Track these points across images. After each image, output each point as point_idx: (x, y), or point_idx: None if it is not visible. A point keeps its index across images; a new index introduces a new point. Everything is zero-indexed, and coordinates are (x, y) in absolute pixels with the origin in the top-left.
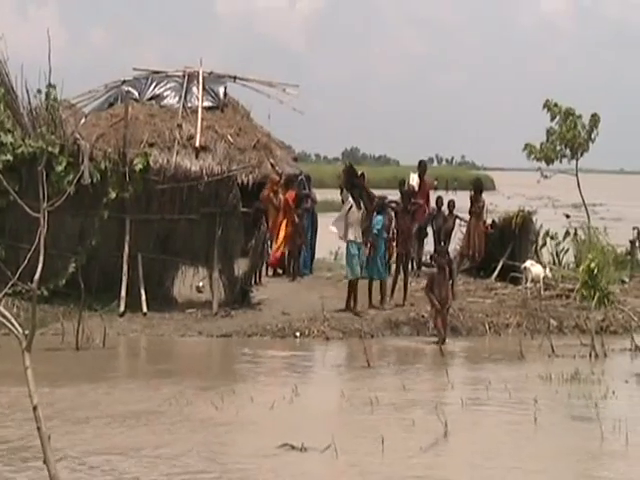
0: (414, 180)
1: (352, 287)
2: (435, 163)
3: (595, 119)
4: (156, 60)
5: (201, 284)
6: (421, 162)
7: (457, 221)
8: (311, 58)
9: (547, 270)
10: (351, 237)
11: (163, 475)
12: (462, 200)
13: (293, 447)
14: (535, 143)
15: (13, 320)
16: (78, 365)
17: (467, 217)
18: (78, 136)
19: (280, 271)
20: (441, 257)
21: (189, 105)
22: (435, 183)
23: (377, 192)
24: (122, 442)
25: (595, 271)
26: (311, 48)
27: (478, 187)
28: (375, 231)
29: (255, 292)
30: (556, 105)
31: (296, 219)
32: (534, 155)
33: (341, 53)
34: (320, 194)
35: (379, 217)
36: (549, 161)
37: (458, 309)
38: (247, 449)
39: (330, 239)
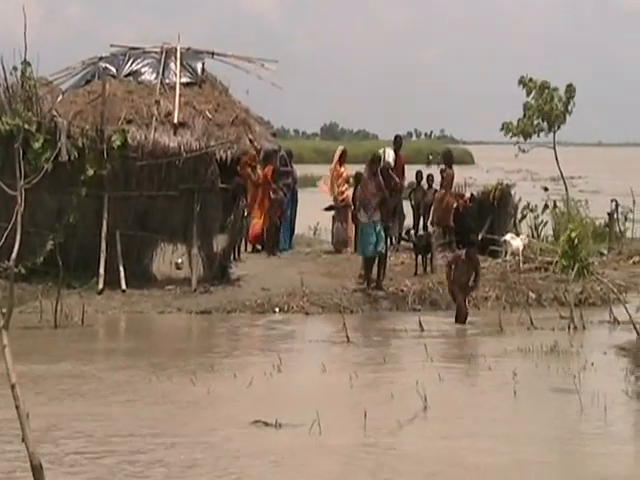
0: (390, 156)
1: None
2: (414, 137)
3: (570, 89)
4: (133, 36)
5: (180, 261)
6: (397, 137)
7: (436, 195)
8: (287, 32)
9: (524, 238)
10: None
11: (132, 451)
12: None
13: (266, 424)
14: (512, 120)
15: None
16: (56, 343)
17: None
18: (55, 113)
19: (259, 247)
20: (472, 247)
21: (167, 81)
22: (430, 157)
23: (356, 167)
24: (97, 418)
25: (576, 241)
26: (287, 22)
27: (447, 159)
28: None
29: (234, 268)
30: (531, 80)
31: (272, 195)
32: (512, 132)
33: (318, 27)
34: (299, 170)
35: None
36: (527, 136)
37: (437, 283)
38: (221, 425)
39: (309, 215)
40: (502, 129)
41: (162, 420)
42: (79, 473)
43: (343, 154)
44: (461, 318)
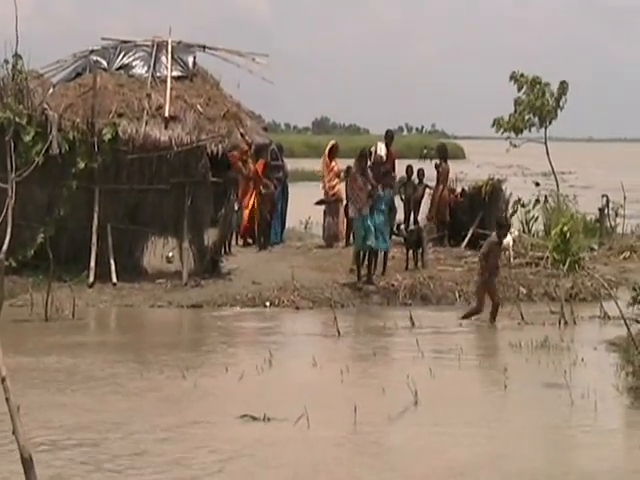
0: (382, 150)
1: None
2: (405, 132)
3: (563, 86)
4: (124, 29)
5: (171, 254)
6: (388, 132)
7: (427, 190)
8: (279, 26)
9: (514, 231)
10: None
11: (114, 442)
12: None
13: (254, 418)
14: (503, 115)
15: None
16: (47, 336)
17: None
18: (46, 106)
19: (250, 241)
20: (502, 229)
21: (158, 75)
22: (425, 152)
23: (348, 162)
24: (86, 412)
25: (567, 235)
26: (279, 16)
27: (442, 154)
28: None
29: (225, 262)
30: (522, 75)
31: (262, 189)
32: (503, 128)
33: (309, 21)
34: (290, 164)
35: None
36: (518, 131)
37: (428, 277)
38: (209, 419)
39: (301, 209)
40: (493, 125)
41: (153, 413)
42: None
43: (333, 148)
44: (472, 313)
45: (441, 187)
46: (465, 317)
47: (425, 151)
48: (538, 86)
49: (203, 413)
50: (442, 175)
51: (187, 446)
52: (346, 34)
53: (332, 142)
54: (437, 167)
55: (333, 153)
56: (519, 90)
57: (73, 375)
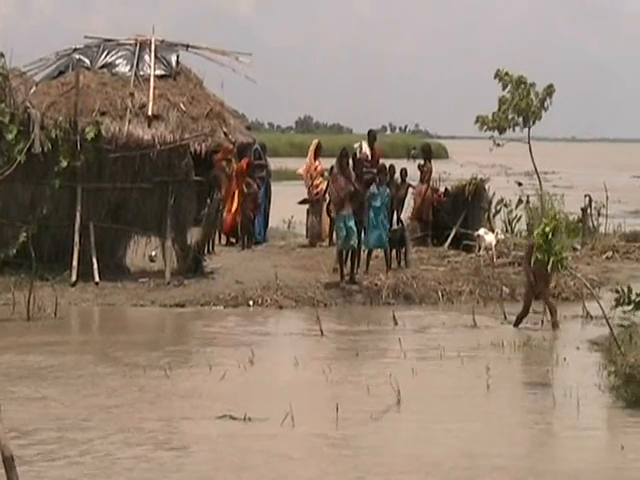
0: (365, 148)
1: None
2: (388, 131)
3: (550, 90)
4: (106, 28)
5: (154, 253)
6: (370, 131)
7: (409, 189)
8: (261, 25)
9: (498, 233)
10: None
11: (86, 442)
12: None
13: (233, 418)
14: (487, 114)
15: None
16: (28, 335)
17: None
18: (29, 105)
19: (233, 240)
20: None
21: (141, 73)
22: (413, 152)
23: (332, 161)
24: (65, 409)
25: (550, 235)
26: (261, 14)
27: (426, 153)
28: (379, 203)
29: (208, 261)
30: (507, 74)
31: (244, 188)
32: (486, 126)
33: (292, 20)
34: (274, 163)
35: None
36: (502, 130)
37: (411, 277)
38: (189, 418)
39: (284, 208)
40: (477, 122)
41: (132, 413)
42: None
43: (317, 147)
44: (519, 317)
45: (424, 186)
46: (516, 324)
47: (413, 151)
48: (523, 86)
49: (181, 411)
50: (425, 175)
51: (148, 444)
52: (328, 33)
53: (316, 141)
54: (420, 167)
55: (317, 152)
56: (504, 89)
57: (51, 373)
